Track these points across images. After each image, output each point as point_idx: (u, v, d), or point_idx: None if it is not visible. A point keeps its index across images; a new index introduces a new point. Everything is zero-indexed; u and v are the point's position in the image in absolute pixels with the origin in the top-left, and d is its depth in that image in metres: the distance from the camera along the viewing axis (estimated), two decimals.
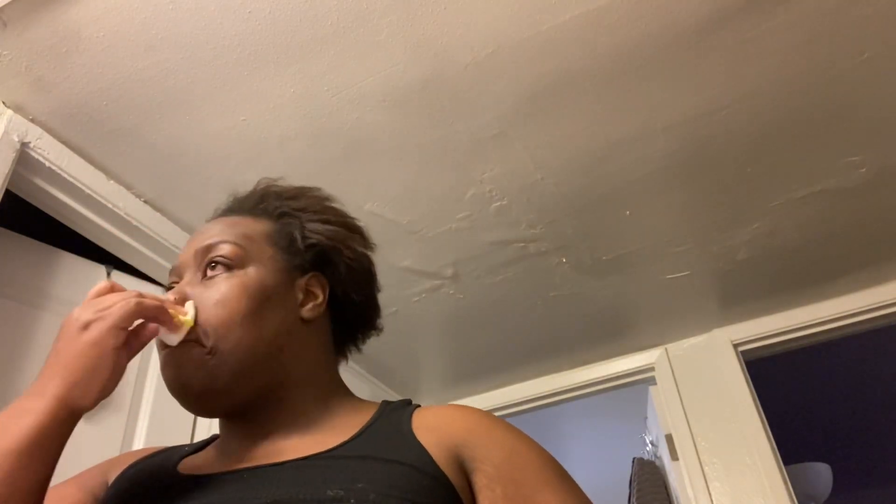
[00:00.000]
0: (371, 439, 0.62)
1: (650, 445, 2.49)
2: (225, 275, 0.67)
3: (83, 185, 1.39)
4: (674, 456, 2.10)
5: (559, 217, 1.68)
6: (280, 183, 0.80)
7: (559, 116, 1.41)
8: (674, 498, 2.16)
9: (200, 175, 1.48)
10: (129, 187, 1.49)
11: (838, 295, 2.08)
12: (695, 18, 1.22)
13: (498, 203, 1.62)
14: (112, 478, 0.69)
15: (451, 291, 1.90)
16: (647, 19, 1.21)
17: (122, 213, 1.46)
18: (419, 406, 0.70)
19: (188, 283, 0.68)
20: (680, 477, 2.06)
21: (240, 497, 0.58)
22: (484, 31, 1.21)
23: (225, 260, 0.68)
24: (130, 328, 0.59)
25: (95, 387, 0.57)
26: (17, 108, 1.29)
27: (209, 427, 1.58)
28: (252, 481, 0.60)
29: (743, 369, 2.13)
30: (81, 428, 1.47)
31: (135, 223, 1.49)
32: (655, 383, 2.25)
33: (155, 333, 0.62)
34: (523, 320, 2.09)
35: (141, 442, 1.45)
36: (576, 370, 2.36)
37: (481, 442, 0.61)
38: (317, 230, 0.74)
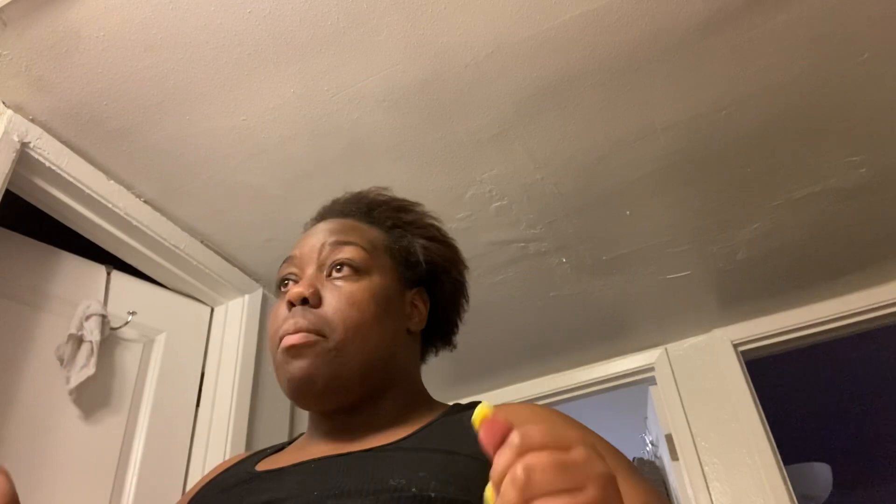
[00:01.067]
0: (434, 433, 0.65)
1: (650, 445, 2.49)
2: (354, 277, 0.70)
3: (83, 185, 1.39)
4: (674, 456, 2.10)
5: (559, 217, 1.68)
6: (386, 193, 0.84)
7: (559, 116, 1.41)
8: (674, 498, 2.16)
9: (200, 175, 1.48)
10: (129, 187, 1.49)
11: (838, 295, 2.08)
12: (695, 18, 1.22)
13: (498, 203, 1.62)
14: (201, 486, 0.73)
15: None
16: (647, 19, 1.21)
17: (122, 213, 1.46)
18: None
19: (315, 278, 0.70)
20: (680, 477, 2.06)
21: (308, 487, 0.59)
22: (484, 31, 1.21)
23: (354, 263, 0.70)
24: None
25: None
26: (17, 108, 1.29)
27: (209, 428, 1.58)
28: (318, 472, 0.62)
29: (743, 369, 2.13)
30: (82, 428, 1.47)
31: (135, 223, 1.49)
32: (655, 383, 2.25)
33: None
34: (523, 320, 2.09)
35: (141, 442, 1.45)
36: (576, 370, 2.36)
37: None
38: (429, 248, 0.78)
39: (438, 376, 2.38)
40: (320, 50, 1.23)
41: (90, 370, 1.34)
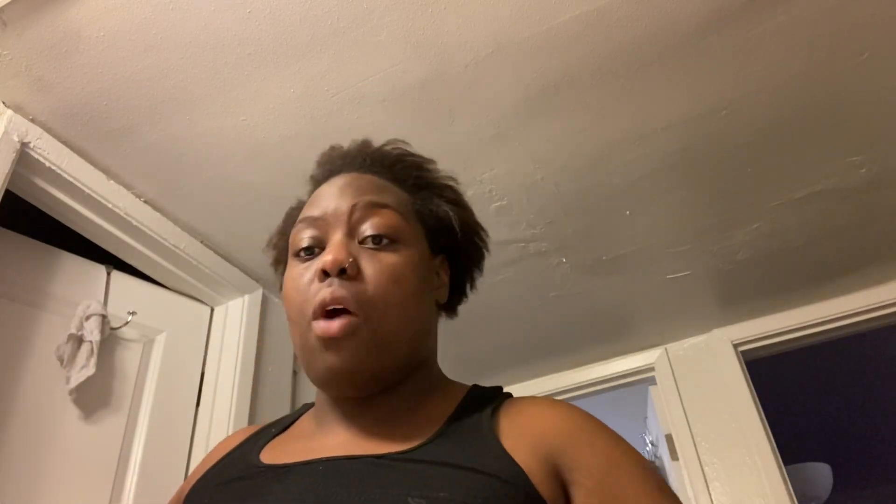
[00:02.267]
0: (451, 441, 0.58)
1: (650, 445, 2.49)
2: (392, 246, 0.62)
3: (83, 185, 1.39)
4: (674, 456, 2.10)
5: (559, 217, 1.68)
6: (400, 146, 0.74)
7: (559, 116, 1.41)
8: None
9: (200, 175, 1.48)
10: (129, 187, 1.49)
11: (838, 295, 2.08)
12: (695, 18, 1.22)
13: (498, 203, 1.62)
14: (203, 471, 0.67)
15: None
16: (647, 19, 1.21)
17: (122, 213, 1.46)
18: (509, 397, 0.65)
19: (347, 245, 0.61)
20: (680, 477, 2.06)
21: (313, 497, 0.54)
22: (484, 31, 1.21)
23: (393, 230, 0.63)
24: None
25: None
26: (17, 108, 1.29)
27: (209, 428, 1.58)
28: (325, 479, 0.56)
29: (743, 369, 2.13)
30: (82, 428, 1.47)
31: (135, 223, 1.49)
32: (655, 383, 2.25)
33: None
34: (523, 320, 2.09)
35: (141, 442, 1.45)
36: (576, 370, 2.36)
37: (581, 450, 0.56)
38: (455, 211, 0.71)
39: None
40: (320, 50, 1.23)
41: (90, 370, 1.34)
